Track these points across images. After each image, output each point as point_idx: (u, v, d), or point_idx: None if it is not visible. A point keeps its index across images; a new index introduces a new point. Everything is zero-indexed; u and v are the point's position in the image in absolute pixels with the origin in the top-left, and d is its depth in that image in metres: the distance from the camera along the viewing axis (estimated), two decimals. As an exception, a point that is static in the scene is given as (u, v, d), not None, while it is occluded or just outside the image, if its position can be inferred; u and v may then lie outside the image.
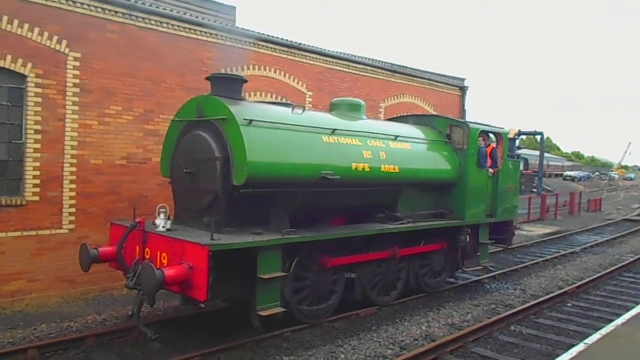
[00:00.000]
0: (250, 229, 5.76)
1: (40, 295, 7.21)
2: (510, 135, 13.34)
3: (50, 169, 7.29)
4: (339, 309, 6.86)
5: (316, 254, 6.36)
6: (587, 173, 69.20)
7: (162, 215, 5.77)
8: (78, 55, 7.47)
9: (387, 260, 7.37)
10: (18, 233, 7.03)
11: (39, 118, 7.16)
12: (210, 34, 8.86)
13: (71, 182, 7.50)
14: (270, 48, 9.97)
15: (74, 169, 7.52)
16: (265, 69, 9.93)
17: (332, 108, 7.69)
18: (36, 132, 7.15)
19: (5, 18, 6.80)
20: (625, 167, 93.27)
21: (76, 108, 7.49)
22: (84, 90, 7.54)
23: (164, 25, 8.36)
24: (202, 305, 6.02)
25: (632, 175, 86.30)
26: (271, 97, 9.90)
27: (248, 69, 9.51)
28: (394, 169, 7.10)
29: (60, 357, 5.49)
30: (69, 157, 7.47)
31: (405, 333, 6.56)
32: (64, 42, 7.34)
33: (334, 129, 6.56)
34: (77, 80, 7.47)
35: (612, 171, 79.85)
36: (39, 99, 7.16)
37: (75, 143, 7.51)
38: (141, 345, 5.78)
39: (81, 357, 5.50)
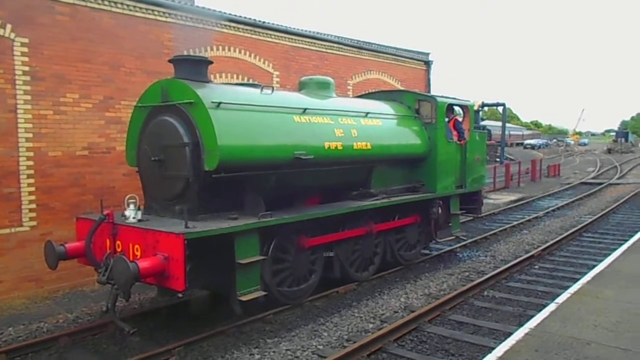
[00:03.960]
0: (226, 214, 5.64)
1: (4, 297, 6.85)
2: (475, 108, 13.59)
3: (4, 164, 6.84)
4: (319, 288, 6.89)
5: (293, 235, 6.32)
6: (545, 141, 72.06)
7: (131, 206, 5.57)
8: (25, 40, 6.95)
9: (364, 236, 7.43)
10: (-26, 234, 6.63)
11: (-14, 110, 6.68)
12: (170, 14, 8.44)
13: (29, 176, 7.08)
14: (234, 27, 9.62)
15: (30, 162, 7.09)
16: (229, 50, 9.59)
17: (301, 87, 7.55)
18: (-15, 125, 6.68)
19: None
20: (580, 134, 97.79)
21: (28, 98, 7.01)
22: (35, 78, 7.05)
23: (119, 5, 7.88)
24: (180, 295, 5.92)
25: (586, 141, 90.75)
26: (237, 78, 9.61)
27: (212, 50, 9.15)
28: (366, 146, 7.10)
29: (31, 360, 5.27)
30: (25, 150, 7.02)
31: (385, 306, 6.69)
32: (9, 26, 6.79)
33: (305, 109, 6.45)
34: (26, 68, 6.97)
35: (568, 138, 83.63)
36: (-15, 90, 6.66)
37: (30, 135, 7.06)
38: (118, 341, 5.61)
39: (55, 358, 5.29)
